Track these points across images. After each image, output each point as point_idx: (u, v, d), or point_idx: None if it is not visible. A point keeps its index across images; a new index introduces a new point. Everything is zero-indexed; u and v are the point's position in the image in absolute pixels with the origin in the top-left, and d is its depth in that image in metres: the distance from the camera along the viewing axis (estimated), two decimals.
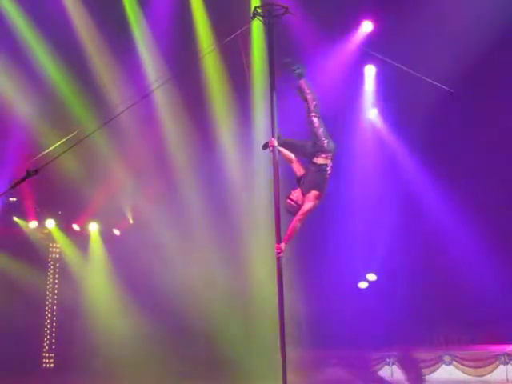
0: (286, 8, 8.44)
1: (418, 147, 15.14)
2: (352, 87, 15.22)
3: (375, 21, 14.39)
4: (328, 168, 8.35)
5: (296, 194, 8.34)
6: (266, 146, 8.48)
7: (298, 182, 8.43)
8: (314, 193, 8.25)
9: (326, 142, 8.34)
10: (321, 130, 8.36)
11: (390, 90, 14.74)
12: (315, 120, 8.38)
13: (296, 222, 8.19)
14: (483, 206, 14.86)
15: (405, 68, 9.39)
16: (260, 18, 8.48)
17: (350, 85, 15.06)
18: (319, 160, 8.30)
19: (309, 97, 8.42)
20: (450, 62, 13.26)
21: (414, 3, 13.61)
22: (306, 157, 8.46)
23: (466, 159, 14.98)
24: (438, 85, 9.22)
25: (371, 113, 15.73)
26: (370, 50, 10.46)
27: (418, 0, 13.59)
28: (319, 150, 8.33)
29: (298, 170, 8.49)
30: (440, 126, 14.80)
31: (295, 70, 8.54)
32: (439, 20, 13.54)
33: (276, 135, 8.27)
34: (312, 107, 8.40)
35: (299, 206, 8.26)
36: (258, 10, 8.46)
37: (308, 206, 8.23)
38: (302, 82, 8.49)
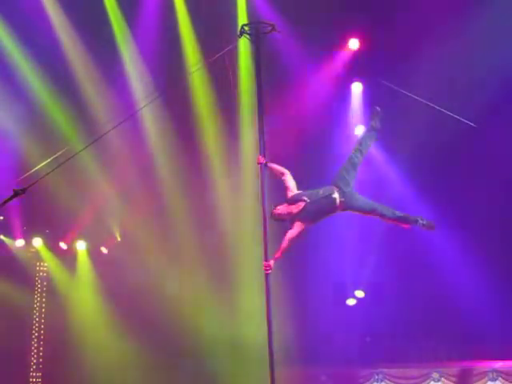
0: (273, 26, 8.47)
1: (406, 164, 15.16)
2: (339, 104, 15.27)
3: (362, 38, 14.48)
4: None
5: (282, 208, 8.20)
6: None
7: (295, 200, 8.21)
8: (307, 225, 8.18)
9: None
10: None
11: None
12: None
13: (288, 243, 8.07)
14: (472, 223, 14.93)
15: (413, 96, 9.44)
16: (247, 35, 8.51)
17: (337, 102, 15.11)
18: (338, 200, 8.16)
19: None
20: (439, 82, 13.35)
21: (401, 21, 13.68)
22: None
23: (458, 179, 15.02)
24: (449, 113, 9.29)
25: (358, 130, 15.77)
26: (383, 81, 10.49)
27: (404, 18, 13.67)
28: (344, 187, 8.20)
29: (292, 184, 8.29)
30: (431, 145, 14.75)
31: (375, 123, 8.52)
32: (428, 37, 13.62)
33: (264, 152, 8.24)
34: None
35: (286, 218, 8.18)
36: (245, 28, 8.50)
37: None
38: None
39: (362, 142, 8.46)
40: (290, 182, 8.33)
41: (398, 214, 8.30)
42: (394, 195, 14.90)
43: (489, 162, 14.56)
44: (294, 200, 8.19)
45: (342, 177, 8.24)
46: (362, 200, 8.27)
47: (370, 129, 8.54)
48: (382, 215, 8.29)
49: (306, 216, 8.11)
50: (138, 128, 14.76)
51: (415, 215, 8.32)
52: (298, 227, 8.09)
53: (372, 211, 8.29)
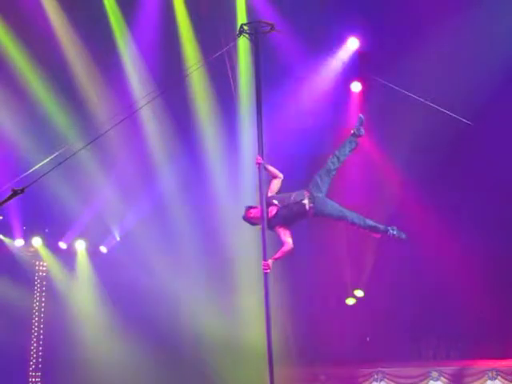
0: (272, 25, 8.46)
1: (404, 161, 15.14)
2: (338, 104, 15.26)
3: (361, 38, 14.48)
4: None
5: (255, 212, 8.16)
6: None
7: (267, 204, 8.10)
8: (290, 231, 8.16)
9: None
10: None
11: (376, 107, 14.78)
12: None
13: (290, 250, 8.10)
14: (472, 222, 14.93)
15: (412, 95, 9.43)
16: (246, 35, 8.50)
17: (336, 101, 15.10)
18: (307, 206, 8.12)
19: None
20: (439, 81, 13.33)
21: (400, 20, 13.69)
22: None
23: (456, 179, 15.01)
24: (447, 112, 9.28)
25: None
26: (383, 80, 10.50)
27: (404, 17, 13.67)
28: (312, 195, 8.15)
29: (274, 187, 8.29)
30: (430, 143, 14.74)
31: (358, 130, 8.50)
32: (427, 36, 13.61)
33: (263, 153, 8.22)
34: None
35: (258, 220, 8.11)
36: (245, 28, 8.49)
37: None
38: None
39: (341, 148, 8.45)
40: (274, 184, 8.31)
41: (369, 222, 8.25)
42: (392, 194, 14.97)
43: (488, 160, 14.57)
44: (266, 203, 8.10)
45: (315, 182, 8.24)
46: (332, 206, 8.20)
47: (352, 135, 8.52)
48: (352, 223, 8.24)
49: (279, 220, 8.09)
50: (138, 127, 14.77)
51: (386, 225, 8.27)
52: (283, 232, 8.08)
53: (342, 218, 8.23)
